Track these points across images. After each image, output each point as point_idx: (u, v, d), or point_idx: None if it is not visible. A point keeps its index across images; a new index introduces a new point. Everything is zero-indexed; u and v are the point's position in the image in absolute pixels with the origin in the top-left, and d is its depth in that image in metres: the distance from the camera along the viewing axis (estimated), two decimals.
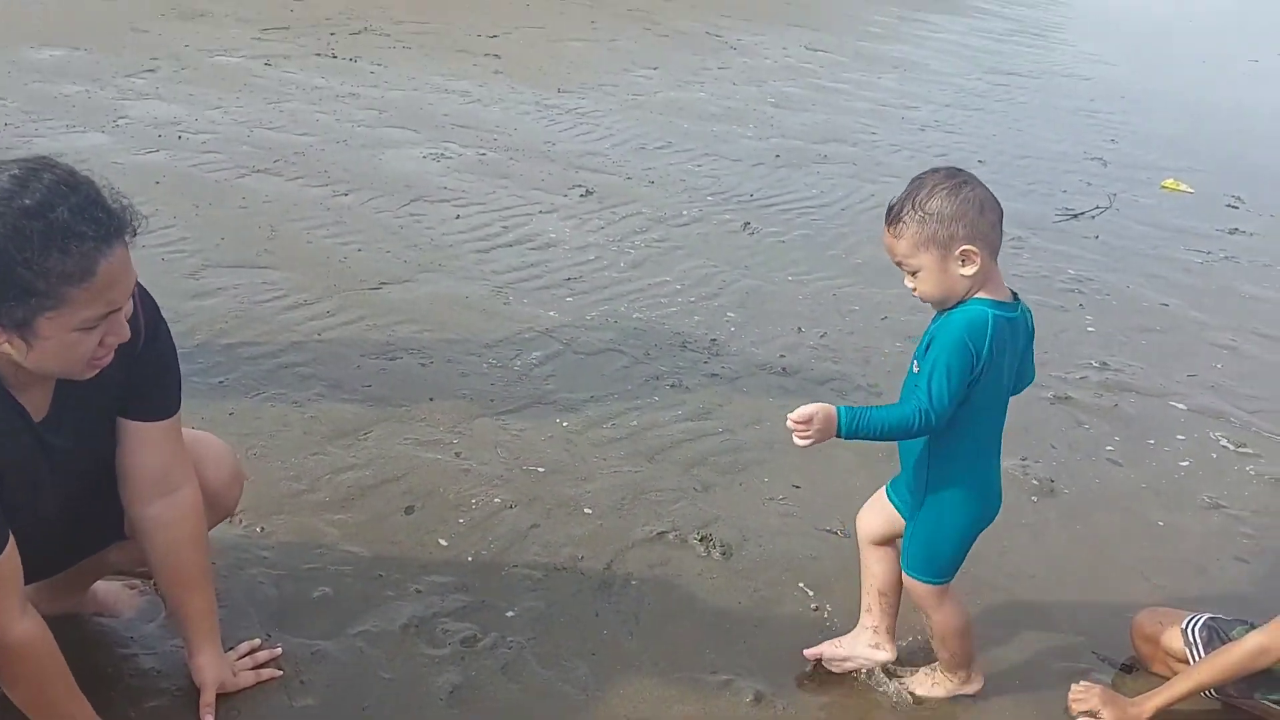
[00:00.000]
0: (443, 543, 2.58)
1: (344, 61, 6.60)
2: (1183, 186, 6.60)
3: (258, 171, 4.68)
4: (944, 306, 2.04)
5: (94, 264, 1.57)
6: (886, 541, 2.30)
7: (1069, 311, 4.48)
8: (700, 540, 2.72)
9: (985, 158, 6.66)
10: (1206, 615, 2.39)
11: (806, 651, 2.35)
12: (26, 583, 1.74)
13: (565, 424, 3.16)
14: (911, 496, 2.17)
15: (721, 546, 2.71)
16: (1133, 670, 2.48)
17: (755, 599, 2.56)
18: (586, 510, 2.78)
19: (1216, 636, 2.34)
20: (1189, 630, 2.38)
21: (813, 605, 2.57)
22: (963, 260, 1.96)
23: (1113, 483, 3.26)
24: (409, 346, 3.45)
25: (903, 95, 8.02)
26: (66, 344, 1.61)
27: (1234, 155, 7.64)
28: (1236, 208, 6.35)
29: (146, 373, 1.86)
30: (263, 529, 2.53)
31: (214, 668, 2.03)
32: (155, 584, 2.25)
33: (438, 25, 7.92)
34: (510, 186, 4.99)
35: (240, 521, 2.53)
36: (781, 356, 3.77)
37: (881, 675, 2.33)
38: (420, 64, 6.85)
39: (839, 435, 1.98)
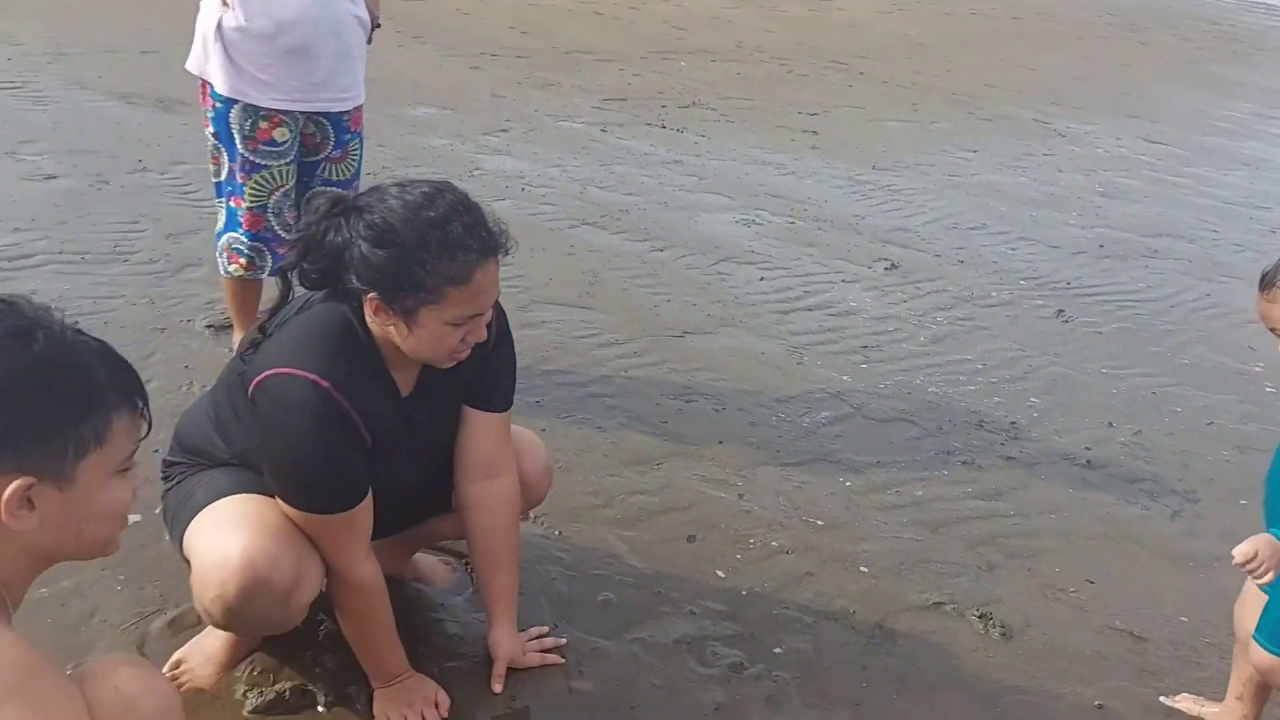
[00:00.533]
0: (720, 574, 2.68)
1: (672, 131, 7.04)
2: None
3: (586, 224, 5.09)
4: None
5: (472, 272, 1.86)
6: None
7: None
8: (979, 617, 2.64)
9: None
10: None
11: (1164, 699, 2.39)
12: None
13: (848, 483, 3.19)
14: None
15: (1002, 627, 2.62)
16: None
17: (1033, 685, 2.45)
18: (863, 569, 2.79)
19: None
20: None
21: (1096, 703, 2.42)
22: None
23: None
24: (705, 392, 3.62)
25: (1252, 194, 7.41)
26: (438, 335, 1.89)
27: None
28: None
29: (493, 370, 2.13)
30: (560, 533, 2.74)
31: (508, 643, 2.23)
32: (468, 561, 2.52)
33: (761, 102, 8.26)
34: (815, 254, 5.11)
35: (542, 523, 2.76)
36: (1087, 449, 3.59)
37: None
38: (741, 137, 7.17)
39: None
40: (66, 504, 1.33)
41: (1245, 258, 5.95)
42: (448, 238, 1.84)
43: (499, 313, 2.11)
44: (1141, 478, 3.45)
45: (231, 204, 3.05)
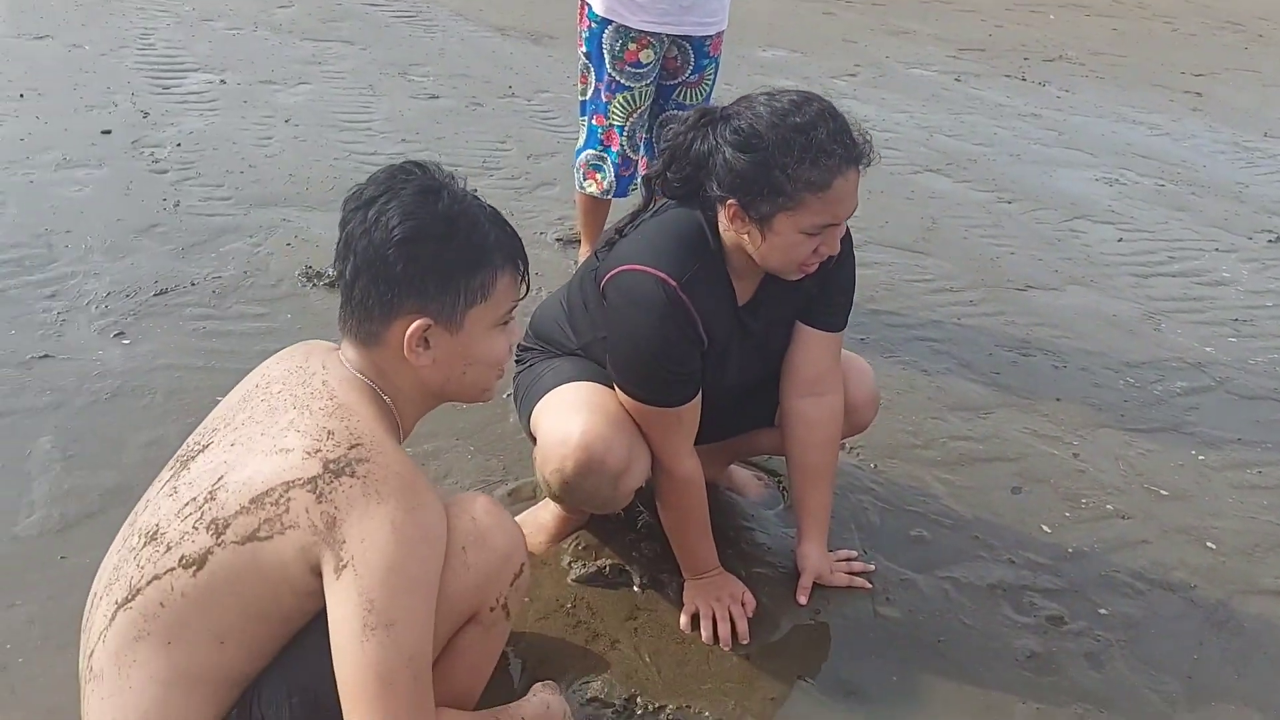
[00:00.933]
0: (1045, 528, 2.55)
1: (1032, 84, 6.63)
2: None
3: (929, 171, 4.93)
4: None
5: (832, 179, 1.86)
6: None
7: None
8: None
9: None
10: None
11: None
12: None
13: (1201, 457, 2.91)
14: None
15: None
16: None
17: None
18: (1209, 544, 2.55)
19: None
20: None
21: None
22: None
23: None
24: (1044, 348, 3.42)
25: None
26: (791, 243, 1.92)
27: None
28: None
29: (832, 289, 2.14)
30: (875, 466, 2.72)
31: (816, 558, 2.26)
32: (781, 479, 2.56)
33: (1137, 59, 7.58)
34: (1185, 220, 4.64)
35: (857, 455, 2.75)
36: None
37: None
38: (1110, 94, 6.62)
39: None
40: (454, 347, 1.51)
41: None
42: (810, 143, 1.85)
43: (846, 234, 2.10)
44: None
45: (594, 121, 3.25)
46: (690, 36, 3.14)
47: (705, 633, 2.13)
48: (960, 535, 2.50)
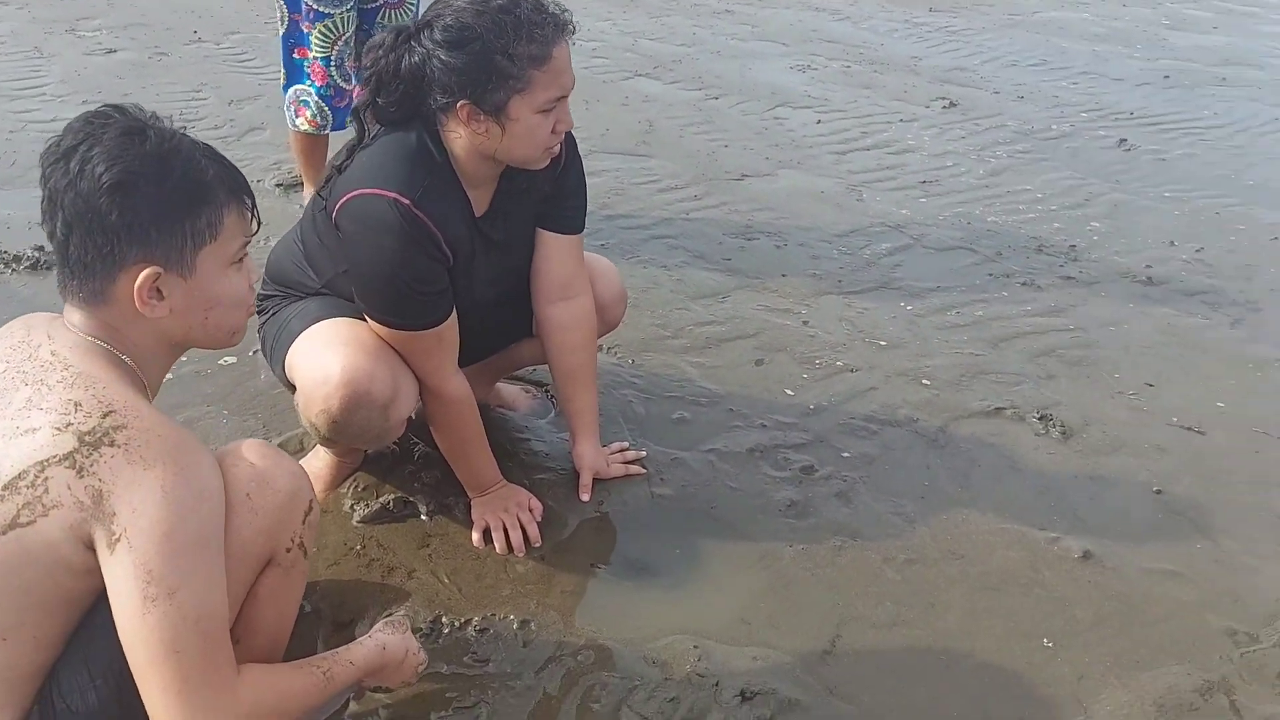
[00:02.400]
0: (788, 391, 2.80)
1: None
2: None
3: (639, 75, 5.09)
4: None
5: (550, 50, 1.89)
6: None
7: None
8: (1039, 419, 2.74)
9: None
10: None
11: None
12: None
13: (909, 308, 3.26)
14: None
15: (1062, 427, 2.72)
16: None
17: (1093, 476, 2.56)
18: (925, 381, 2.89)
19: None
20: None
21: (1155, 488, 2.52)
22: None
23: None
24: (766, 230, 3.68)
25: None
26: (530, 127, 1.93)
27: None
28: None
29: (565, 190, 2.21)
30: (633, 361, 2.87)
31: (592, 455, 2.39)
32: (548, 389, 2.66)
33: None
34: (872, 97, 5.06)
35: (615, 354, 2.89)
36: (1148, 267, 3.61)
37: None
38: None
39: None
40: (191, 292, 1.44)
41: None
42: (520, 20, 1.87)
43: (570, 137, 2.17)
44: (1202, 290, 3.47)
45: (297, 55, 3.13)
46: None
47: (499, 544, 2.20)
48: (716, 410, 2.70)
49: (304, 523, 1.57)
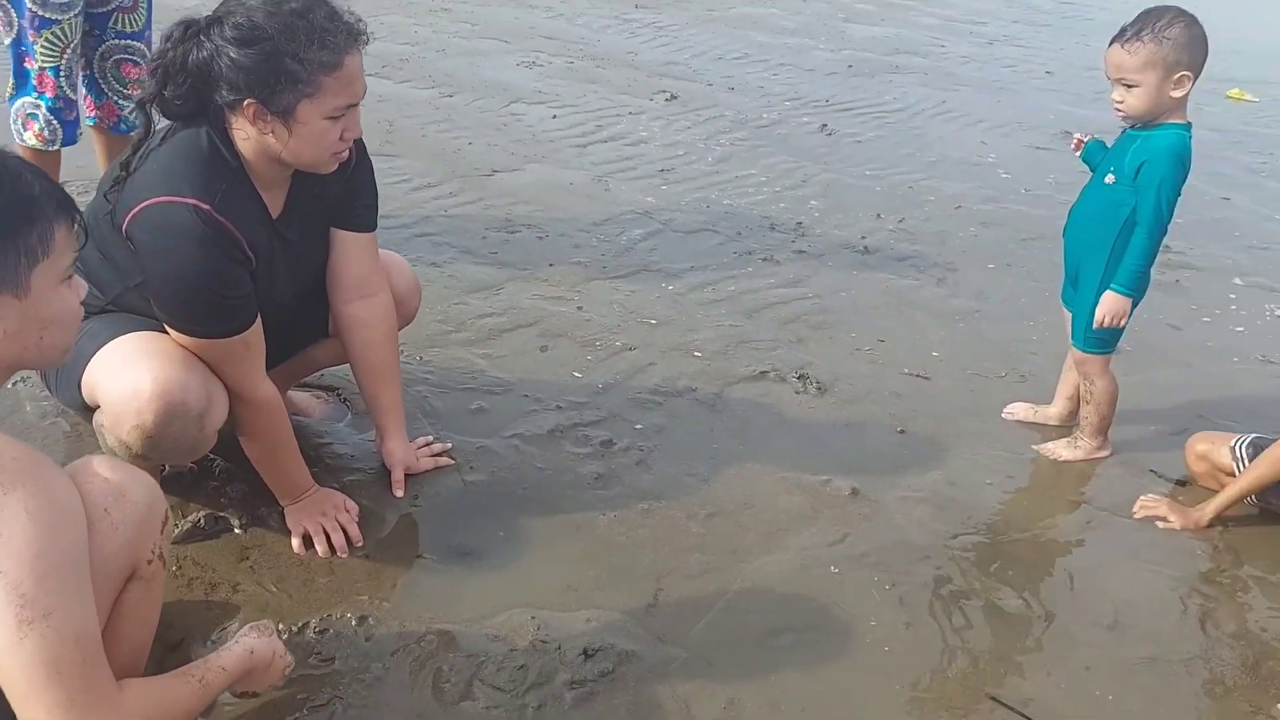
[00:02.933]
0: (576, 374, 2.97)
1: None
2: (1248, 96, 6.73)
3: (369, 75, 5.03)
4: (1141, 122, 2.47)
5: (342, 58, 1.91)
6: None
7: None
8: (798, 378, 3.08)
9: (1054, 69, 6.83)
10: (1253, 435, 2.70)
11: (1005, 414, 3.03)
12: None
13: (670, 288, 3.53)
14: (1088, 287, 2.65)
15: (817, 384, 3.07)
16: (1186, 484, 2.80)
17: (848, 423, 2.92)
18: (696, 353, 3.15)
19: (1260, 452, 2.65)
20: (1236, 447, 2.69)
21: (899, 429, 2.92)
22: (1177, 84, 2.41)
23: (1172, 343, 3.55)
24: (526, 223, 3.82)
25: (971, 12, 8.16)
26: (318, 131, 1.94)
27: None
28: None
29: (356, 189, 2.24)
30: (422, 358, 2.93)
31: (402, 451, 2.44)
32: (339, 392, 2.67)
33: None
34: (600, 91, 5.31)
35: (402, 352, 2.91)
36: (863, 238, 4.09)
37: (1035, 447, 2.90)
38: None
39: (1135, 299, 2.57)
40: (25, 312, 1.39)
41: (971, 68, 6.65)
42: (313, 26, 1.88)
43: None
44: (909, 256, 3.99)
45: (25, 65, 2.91)
46: None
47: (320, 548, 2.21)
48: (511, 397, 2.82)
49: (162, 533, 1.56)
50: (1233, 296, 3.99)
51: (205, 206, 1.90)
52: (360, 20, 2.00)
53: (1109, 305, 2.60)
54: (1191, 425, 3.06)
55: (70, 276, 1.47)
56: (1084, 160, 2.75)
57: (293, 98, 1.89)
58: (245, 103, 1.90)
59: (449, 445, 2.57)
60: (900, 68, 6.44)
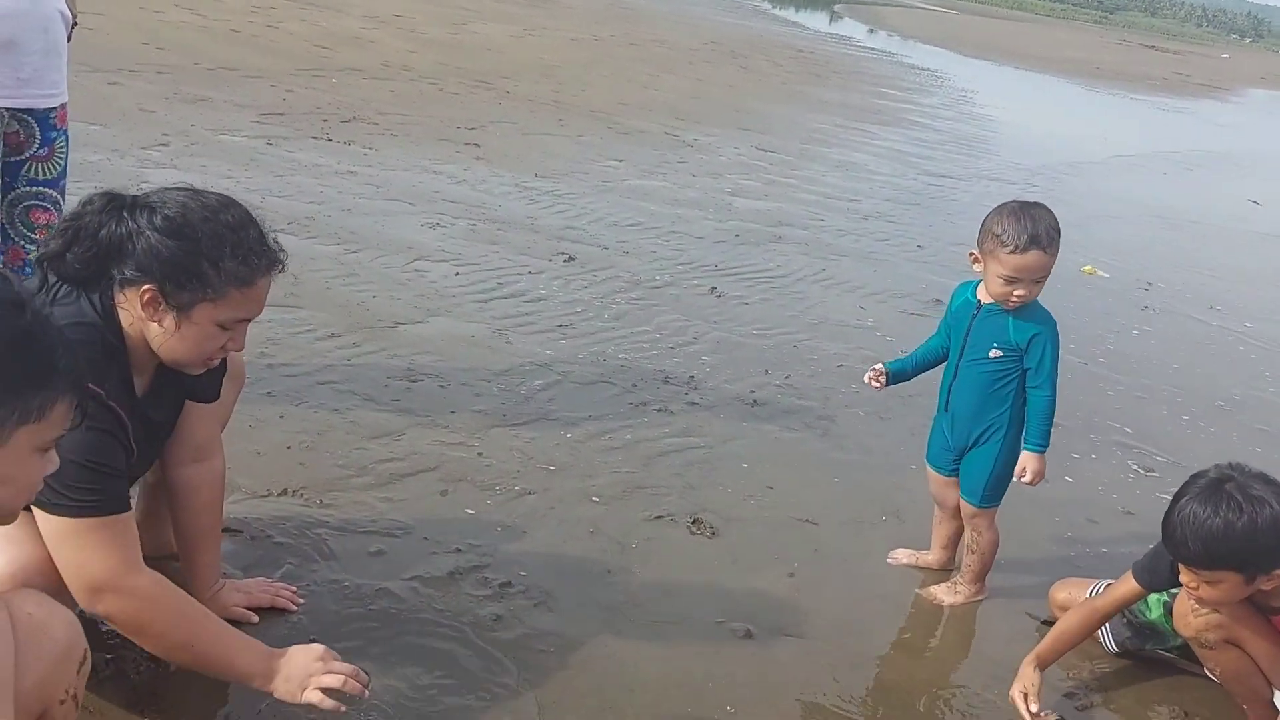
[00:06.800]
0: (475, 516, 3.01)
1: (339, 144, 7.16)
2: (1100, 272, 7.36)
3: (274, 231, 5.11)
4: (1023, 304, 2.76)
5: (257, 278, 2.00)
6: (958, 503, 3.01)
7: None
8: (692, 523, 3.19)
9: (924, 244, 7.37)
10: (1108, 581, 2.90)
11: (889, 560, 3.19)
12: None
13: (569, 435, 3.63)
14: (989, 450, 2.87)
15: (710, 529, 3.18)
16: (1051, 624, 2.96)
17: (740, 567, 3.02)
18: (594, 499, 3.24)
19: None
20: (1091, 593, 2.88)
21: (789, 573, 3.03)
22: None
23: (1042, 495, 3.78)
24: (428, 373, 3.91)
25: (846, 190, 8.79)
26: (205, 334, 1.99)
27: (1143, 245, 8.51)
28: (1148, 289, 7.13)
29: (215, 371, 2.20)
30: (322, 502, 2.94)
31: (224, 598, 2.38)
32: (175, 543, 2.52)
33: (419, 117, 8.56)
34: (501, 251, 5.52)
35: (300, 496, 2.94)
36: (752, 392, 4.29)
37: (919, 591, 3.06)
38: (408, 149, 7.43)
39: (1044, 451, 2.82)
40: None
41: (848, 240, 7.14)
42: (242, 241, 1.97)
43: None
44: (795, 410, 4.19)
45: None
46: (33, 109, 3.00)
47: (330, 705, 1.96)
48: (412, 539, 2.84)
49: (78, 673, 1.54)
50: (1099, 456, 4.30)
51: (99, 391, 1.86)
52: (284, 251, 2.09)
53: (1035, 465, 2.83)
54: (1059, 571, 3.27)
55: (49, 450, 1.50)
56: (893, 383, 3.02)
57: (195, 297, 1.94)
58: (145, 286, 1.93)
59: (292, 588, 2.51)
60: (783, 238, 6.86)
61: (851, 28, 31.57)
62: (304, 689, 1.96)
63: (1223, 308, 7.11)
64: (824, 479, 3.66)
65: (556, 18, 17.59)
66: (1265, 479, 2.31)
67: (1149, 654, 2.90)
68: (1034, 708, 2.56)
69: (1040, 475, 2.83)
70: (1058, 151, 13.13)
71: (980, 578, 3.05)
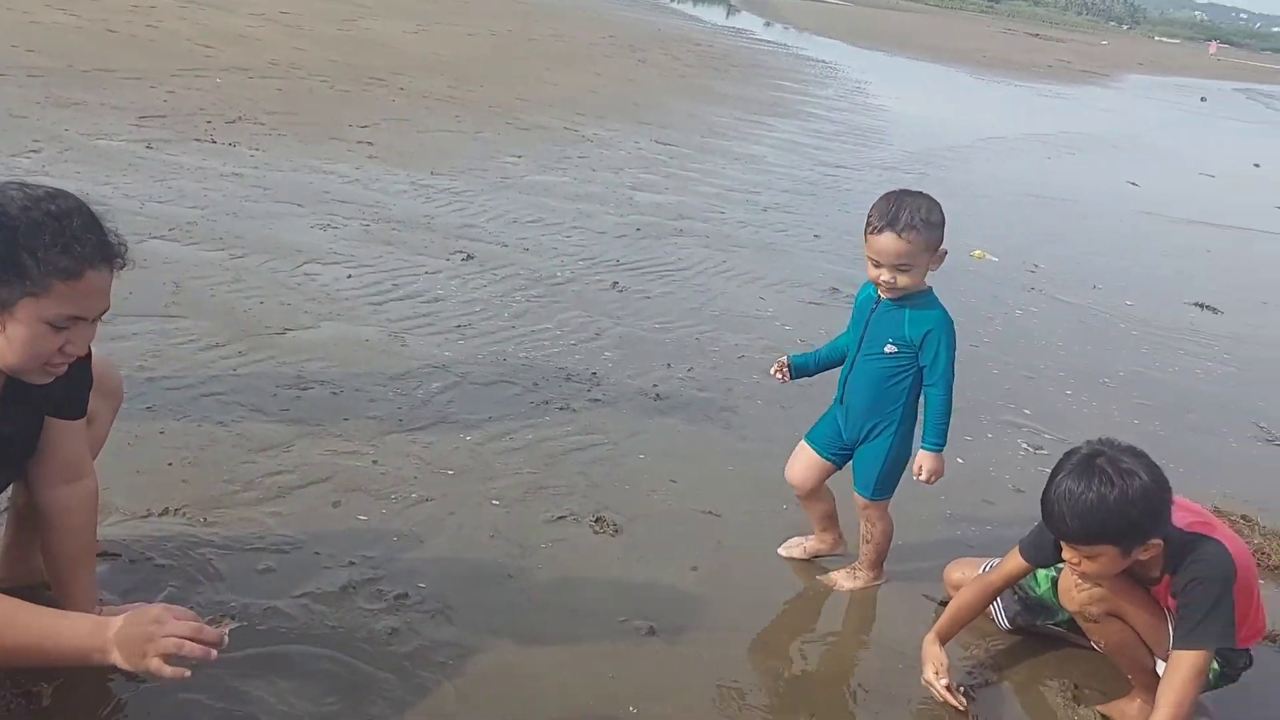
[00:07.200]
0: (370, 526, 2.92)
1: (223, 146, 6.91)
2: (989, 256, 7.55)
3: (154, 238, 4.94)
4: (906, 293, 2.74)
5: (83, 269, 1.85)
6: (819, 486, 3.02)
7: None
8: (595, 522, 3.15)
9: (821, 233, 7.46)
10: (998, 560, 2.95)
11: (781, 551, 3.18)
12: None
13: (469, 438, 3.55)
14: (881, 443, 2.87)
15: (613, 526, 3.14)
16: (947, 604, 3.01)
17: (644, 564, 2.99)
18: (495, 502, 3.17)
19: None
20: (984, 570, 2.94)
21: (692, 567, 3.01)
22: (938, 260, 2.72)
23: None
24: (319, 379, 3.78)
25: (745, 183, 8.85)
26: (35, 334, 1.85)
27: (1029, 228, 8.76)
28: (1034, 271, 7.33)
29: (73, 383, 2.10)
30: (206, 520, 2.81)
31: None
32: (45, 568, 2.38)
33: (309, 116, 8.32)
34: (396, 252, 5.39)
35: (184, 515, 2.81)
36: (655, 386, 4.27)
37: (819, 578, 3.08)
38: (296, 149, 7.22)
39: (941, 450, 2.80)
40: None
41: (748, 231, 7.18)
42: (64, 229, 1.84)
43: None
44: (697, 402, 4.19)
45: None
46: None
47: (170, 671, 1.78)
48: (302, 555, 2.74)
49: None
50: (989, 436, 4.39)
51: None
52: (123, 244, 1.97)
53: (931, 464, 2.84)
54: (954, 551, 3.32)
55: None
56: (796, 377, 3.01)
57: (16, 292, 1.83)
58: None
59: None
60: (684, 231, 6.87)
61: (749, 21, 31.92)
62: (144, 655, 1.77)
63: (1104, 287, 7.36)
64: (726, 471, 3.66)
65: (452, 13, 17.32)
66: (1134, 451, 2.37)
67: (1040, 629, 2.97)
68: (946, 682, 2.60)
69: (938, 474, 2.85)
70: (947, 138, 13.45)
71: (878, 564, 3.08)
